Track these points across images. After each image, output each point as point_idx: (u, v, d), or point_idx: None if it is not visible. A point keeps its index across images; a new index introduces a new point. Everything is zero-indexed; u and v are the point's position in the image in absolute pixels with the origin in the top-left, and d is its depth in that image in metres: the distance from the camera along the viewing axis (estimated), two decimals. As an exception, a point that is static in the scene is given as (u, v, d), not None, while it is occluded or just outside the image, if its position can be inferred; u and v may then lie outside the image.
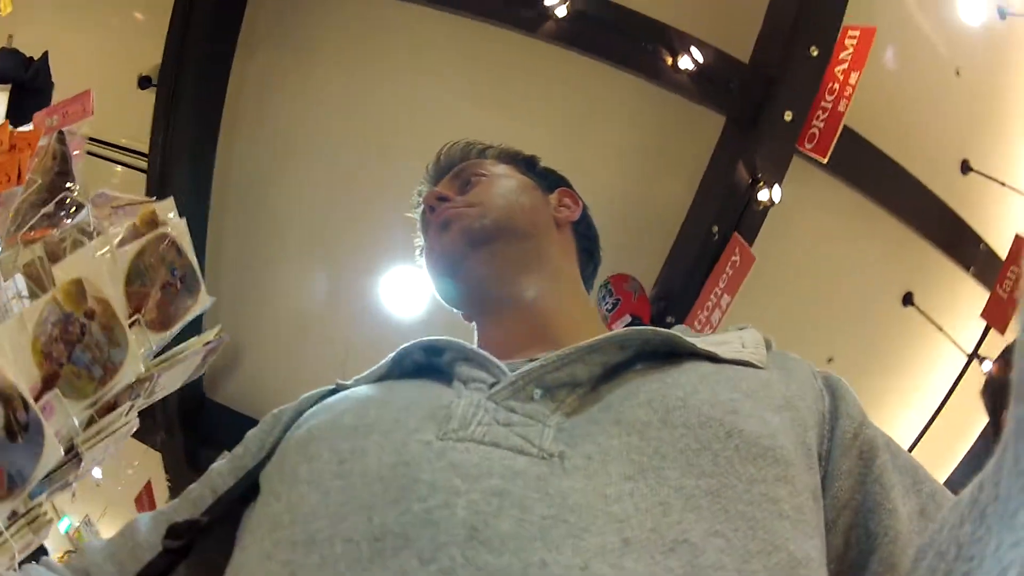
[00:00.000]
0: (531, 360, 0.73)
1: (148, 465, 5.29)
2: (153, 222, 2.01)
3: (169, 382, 1.83)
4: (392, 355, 0.82)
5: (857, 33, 3.88)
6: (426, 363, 0.79)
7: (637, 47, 4.08)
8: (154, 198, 2.16)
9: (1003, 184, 4.91)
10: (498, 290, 0.93)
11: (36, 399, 1.36)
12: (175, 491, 5.03)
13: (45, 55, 3.70)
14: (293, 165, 4.69)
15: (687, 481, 0.59)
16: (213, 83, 4.41)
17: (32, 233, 1.86)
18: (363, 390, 0.78)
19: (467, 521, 0.54)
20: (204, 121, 4.45)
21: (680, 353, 0.74)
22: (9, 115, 3.41)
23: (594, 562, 0.52)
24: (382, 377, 0.82)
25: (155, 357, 1.73)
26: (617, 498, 0.57)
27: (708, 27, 4.26)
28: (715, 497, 0.58)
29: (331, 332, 5.03)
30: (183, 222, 2.02)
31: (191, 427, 5.08)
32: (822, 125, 3.93)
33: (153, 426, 5.06)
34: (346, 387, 0.84)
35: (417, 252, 1.07)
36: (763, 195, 4.02)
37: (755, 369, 0.75)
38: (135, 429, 1.79)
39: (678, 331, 0.82)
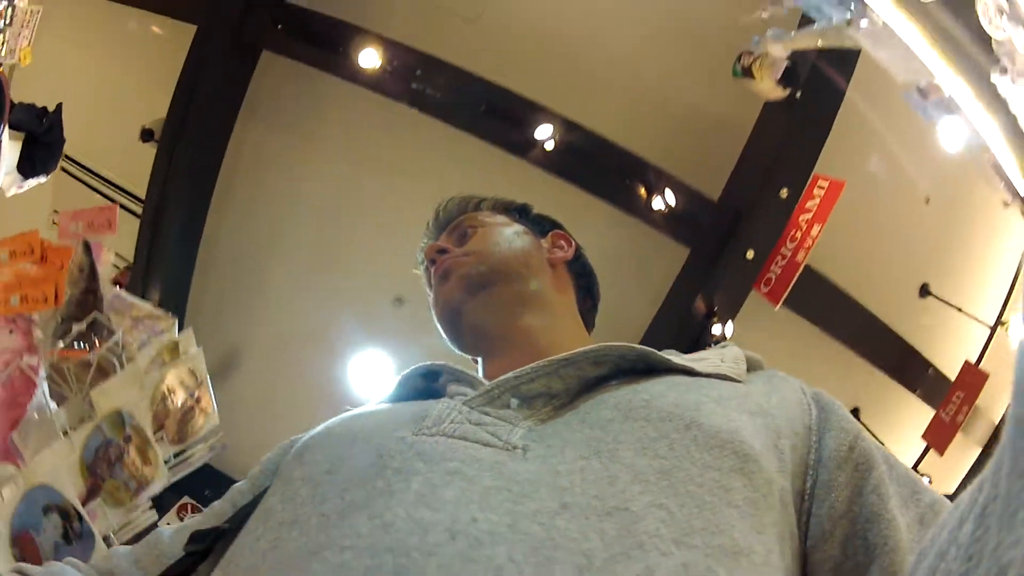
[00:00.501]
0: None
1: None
2: (175, 350, 2.33)
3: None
4: (397, 380, 0.90)
5: (827, 184, 4.01)
6: (425, 388, 0.86)
7: (616, 182, 4.27)
8: (170, 314, 2.41)
9: (959, 310, 5.00)
10: (497, 330, 0.97)
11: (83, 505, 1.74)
12: None
13: (59, 108, 3.85)
14: (279, 236, 4.88)
15: (639, 460, 0.62)
16: (212, 148, 4.61)
17: (67, 352, 2.19)
18: (362, 410, 0.85)
19: (418, 491, 0.60)
20: (199, 184, 4.64)
21: (658, 369, 0.78)
22: (20, 166, 3.58)
23: (523, 521, 0.56)
24: (388, 400, 0.89)
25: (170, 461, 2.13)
26: (568, 473, 0.61)
27: (683, 162, 4.43)
28: (665, 475, 0.61)
29: (297, 403, 5.18)
30: (200, 351, 2.36)
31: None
32: (779, 271, 4.05)
33: None
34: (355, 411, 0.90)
35: (430, 304, 1.09)
36: (716, 329, 4.15)
37: (732, 382, 0.78)
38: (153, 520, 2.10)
39: (665, 352, 0.86)
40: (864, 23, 3.18)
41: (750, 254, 4.20)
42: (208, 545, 0.78)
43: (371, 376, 5.04)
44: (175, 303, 4.83)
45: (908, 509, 0.70)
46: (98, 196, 4.93)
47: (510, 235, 1.08)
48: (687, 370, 0.78)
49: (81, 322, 2.39)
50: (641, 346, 0.78)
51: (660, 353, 0.79)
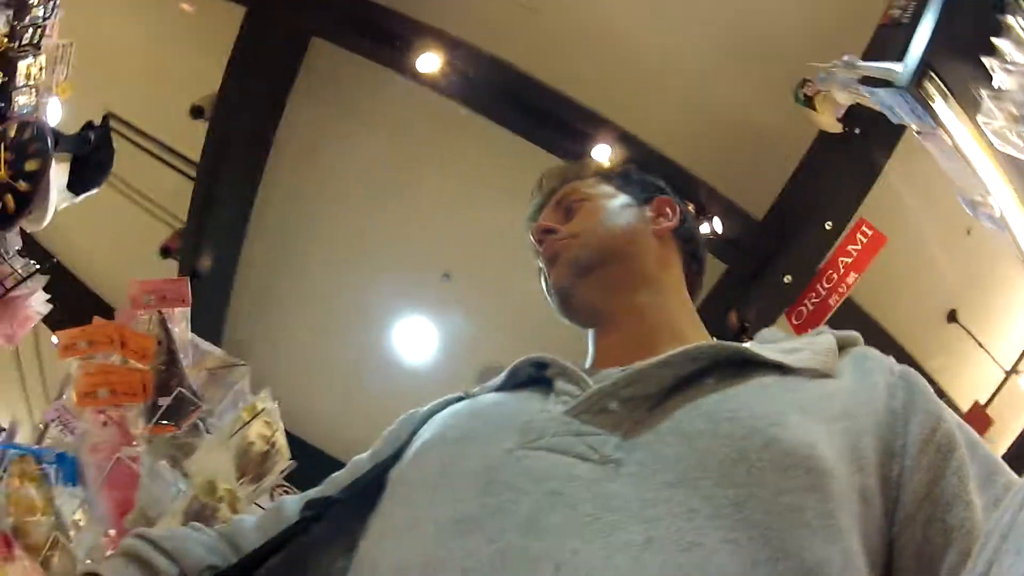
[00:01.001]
0: (626, 368, 0.83)
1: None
2: (254, 410, 2.61)
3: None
4: (508, 368, 0.95)
5: (870, 234, 4.07)
6: (536, 375, 0.90)
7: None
8: (242, 362, 2.63)
9: (980, 345, 5.14)
10: (606, 310, 1.01)
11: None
12: None
13: (106, 122, 3.88)
14: (328, 209, 4.99)
15: (717, 491, 0.66)
16: (263, 125, 4.65)
17: (157, 429, 2.42)
18: (473, 404, 0.92)
19: (527, 515, 0.67)
20: (251, 158, 4.72)
21: (752, 362, 0.81)
22: (70, 186, 3.64)
23: (617, 555, 0.63)
24: (500, 387, 0.95)
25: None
26: (654, 503, 0.66)
27: (731, 177, 4.47)
28: (738, 508, 0.65)
29: (342, 368, 5.49)
30: (276, 405, 2.53)
31: None
32: (811, 308, 4.19)
33: None
34: (471, 395, 0.98)
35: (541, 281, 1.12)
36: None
37: (822, 379, 0.80)
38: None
39: (764, 334, 0.96)
40: (934, 135, 3.18)
41: (788, 279, 4.31)
42: (319, 511, 0.88)
43: (417, 344, 5.30)
44: (226, 271, 5.03)
45: (985, 491, 0.73)
46: (148, 157, 5.02)
47: (615, 210, 1.09)
48: (780, 365, 0.81)
49: (167, 397, 2.65)
50: (736, 344, 0.83)
51: (755, 349, 0.83)
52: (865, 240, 4.09)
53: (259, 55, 4.41)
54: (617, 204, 1.10)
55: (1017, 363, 5.22)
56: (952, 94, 2.99)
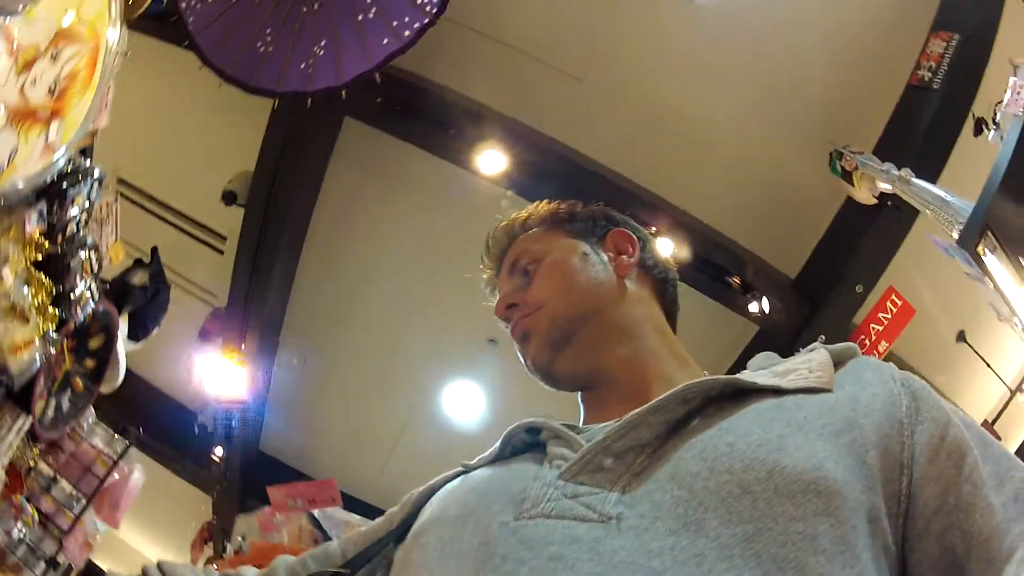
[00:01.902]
0: (619, 420, 0.80)
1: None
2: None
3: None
4: (502, 437, 0.91)
5: (900, 304, 4.21)
6: (531, 441, 0.88)
7: (711, 272, 4.45)
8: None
9: (988, 365, 5.38)
10: (590, 373, 0.98)
11: None
12: (223, 532, 5.88)
13: (156, 256, 3.87)
14: (372, 278, 5.09)
15: (724, 530, 0.64)
16: (302, 204, 4.65)
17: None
18: (469, 480, 0.89)
19: None
20: (291, 236, 4.71)
21: (746, 391, 0.78)
22: (131, 334, 3.67)
23: None
24: (496, 457, 0.92)
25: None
26: (659, 552, 0.64)
27: (762, 239, 4.56)
28: (749, 543, 0.63)
29: (383, 422, 5.65)
30: None
31: (246, 478, 5.79)
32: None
33: (210, 475, 5.73)
34: (469, 468, 0.95)
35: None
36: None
37: (820, 394, 0.77)
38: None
39: (759, 359, 0.91)
40: (979, 277, 3.30)
41: (822, 339, 4.46)
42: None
43: (465, 407, 5.48)
44: (270, 345, 5.11)
45: (1003, 487, 0.70)
46: (175, 231, 5.00)
47: (574, 266, 1.03)
48: (775, 389, 0.78)
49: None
50: (725, 377, 0.79)
51: (747, 376, 0.81)
52: (895, 309, 4.22)
53: (294, 135, 4.35)
54: (575, 258, 1.05)
55: (1022, 383, 5.49)
56: (1004, 249, 3.09)
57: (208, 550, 5.82)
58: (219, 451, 5.57)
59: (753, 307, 4.37)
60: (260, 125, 4.42)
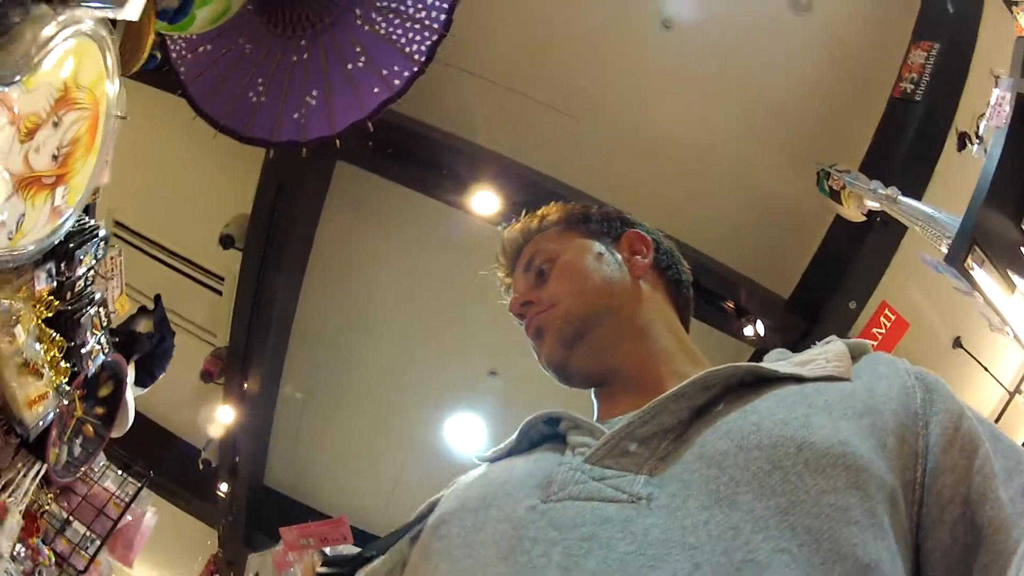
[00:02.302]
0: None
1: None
2: None
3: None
4: (520, 428, 0.90)
5: (893, 318, 4.26)
6: (549, 432, 0.87)
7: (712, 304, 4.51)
8: None
9: (985, 369, 5.43)
10: (604, 370, 0.98)
11: None
12: (228, 565, 5.91)
13: (159, 303, 3.91)
14: (373, 314, 5.19)
15: (758, 503, 0.64)
16: (299, 244, 4.69)
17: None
18: (489, 470, 0.88)
19: (561, 564, 0.64)
20: (289, 276, 4.77)
21: (767, 379, 0.78)
22: (138, 381, 3.72)
23: None
24: (512, 450, 0.90)
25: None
26: (693, 528, 0.64)
27: (755, 260, 4.64)
28: (784, 515, 0.63)
29: (386, 455, 5.69)
30: None
31: (251, 512, 5.82)
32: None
33: (215, 510, 5.76)
34: (485, 459, 0.94)
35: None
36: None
37: (839, 382, 0.78)
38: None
39: (773, 355, 0.92)
40: (969, 292, 3.36)
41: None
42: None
43: (466, 437, 5.55)
44: (271, 383, 5.15)
45: (1012, 481, 0.71)
46: (173, 272, 5.04)
47: (589, 265, 1.04)
48: (795, 377, 0.79)
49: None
50: (746, 364, 0.79)
51: (767, 365, 0.81)
52: (889, 324, 4.27)
53: (289, 179, 4.41)
54: (589, 257, 1.05)
55: (1020, 383, 5.55)
56: (992, 262, 3.15)
57: (215, 583, 5.89)
58: (223, 487, 5.59)
59: (748, 331, 4.42)
60: (255, 169, 4.49)
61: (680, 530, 0.64)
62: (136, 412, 3.66)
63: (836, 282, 4.49)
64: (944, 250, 3.32)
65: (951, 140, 3.73)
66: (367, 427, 5.71)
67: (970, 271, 3.20)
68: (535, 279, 1.07)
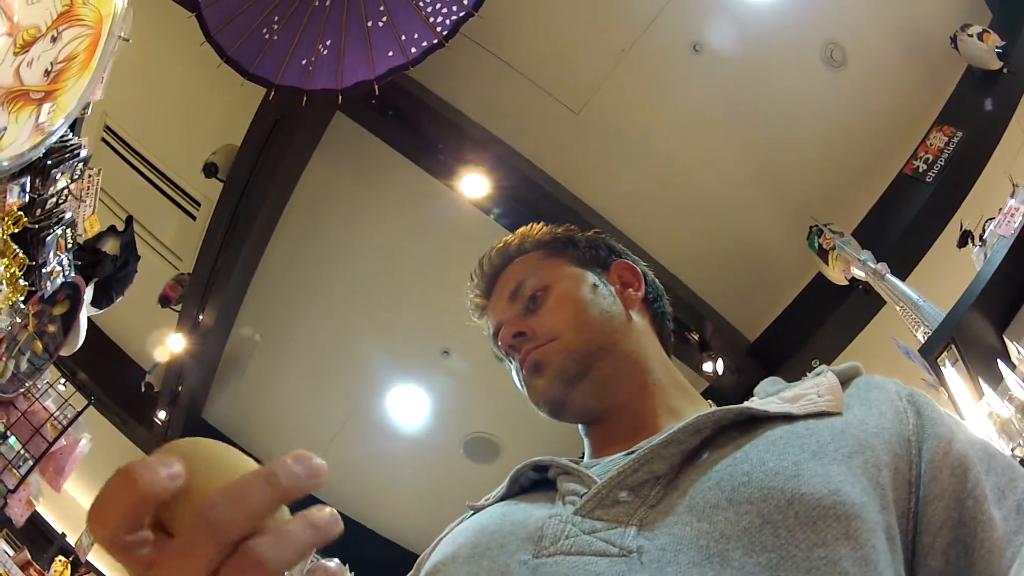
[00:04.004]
0: (630, 452, 0.81)
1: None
2: None
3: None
4: (510, 475, 0.88)
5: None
6: (539, 478, 0.86)
7: (676, 333, 4.49)
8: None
9: None
10: (602, 409, 0.96)
11: None
12: None
13: (129, 225, 3.81)
14: (332, 276, 5.10)
15: (748, 559, 0.63)
16: (280, 189, 4.58)
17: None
18: (481, 519, 0.84)
19: None
20: (265, 216, 4.67)
21: (758, 418, 0.77)
22: (94, 302, 3.62)
23: None
24: (504, 495, 0.89)
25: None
26: None
27: (728, 300, 4.65)
28: (774, 571, 0.62)
29: (326, 411, 5.65)
30: None
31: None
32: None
33: (150, 436, 5.67)
34: (477, 508, 0.91)
35: (513, 377, 1.05)
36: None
37: (830, 417, 0.76)
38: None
39: (767, 383, 0.91)
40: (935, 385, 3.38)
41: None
42: None
43: (408, 411, 5.52)
44: (224, 326, 5.07)
45: (1005, 499, 0.71)
46: (151, 187, 4.91)
47: (586, 297, 1.01)
48: (786, 415, 0.77)
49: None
50: (737, 406, 0.78)
51: (757, 406, 0.79)
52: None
53: (284, 119, 4.29)
54: (585, 289, 1.02)
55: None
56: (966, 365, 3.17)
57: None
58: (162, 414, 5.51)
59: (707, 367, 4.42)
60: (253, 103, 4.35)
61: None
62: (88, 323, 3.59)
63: (804, 337, 4.50)
64: (920, 338, 3.33)
65: (949, 231, 3.73)
66: (313, 380, 5.65)
67: (942, 367, 3.21)
68: (523, 308, 1.03)
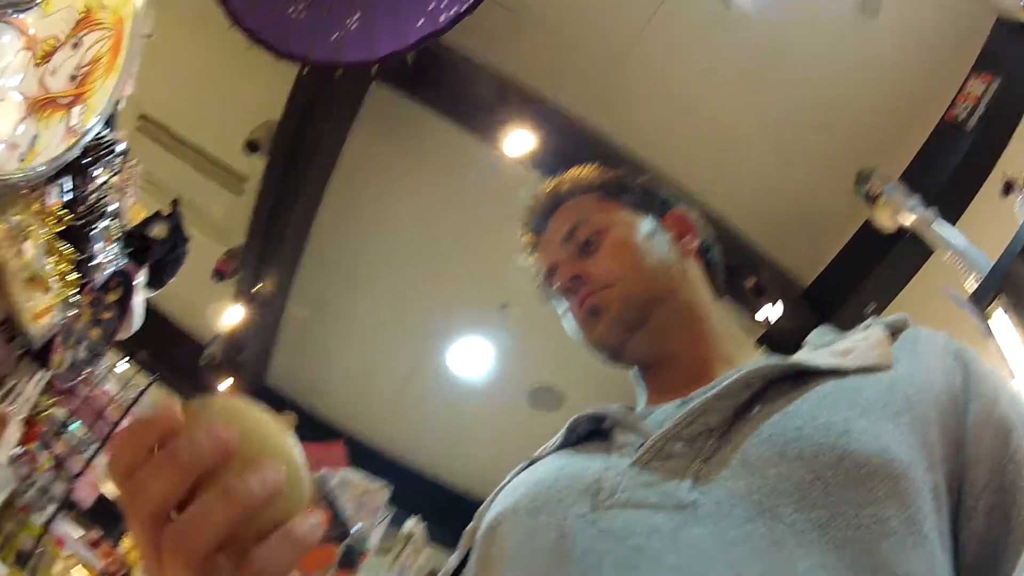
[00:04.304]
0: (684, 401, 0.83)
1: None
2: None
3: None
4: (566, 425, 0.88)
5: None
6: (594, 428, 0.86)
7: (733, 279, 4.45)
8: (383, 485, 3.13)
9: None
10: (659, 356, 0.98)
11: None
12: None
13: (176, 208, 3.91)
14: (386, 237, 5.18)
15: (799, 517, 0.64)
16: (324, 160, 4.63)
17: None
18: (538, 470, 0.85)
19: None
20: (312, 186, 4.74)
21: (809, 372, 0.77)
22: (148, 284, 3.75)
23: None
24: (561, 445, 0.89)
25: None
26: (738, 541, 0.63)
27: (782, 246, 4.57)
28: (824, 529, 0.63)
29: (390, 369, 5.79)
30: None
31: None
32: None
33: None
34: (534, 458, 0.92)
35: (565, 316, 1.05)
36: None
37: (879, 373, 0.76)
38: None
39: (815, 335, 0.92)
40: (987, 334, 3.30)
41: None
42: None
43: (471, 363, 5.67)
44: (284, 289, 5.20)
45: None
46: (195, 169, 5.03)
47: (644, 245, 1.01)
48: (836, 370, 0.77)
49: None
50: (788, 361, 0.79)
51: (807, 357, 0.80)
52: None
53: (322, 91, 4.32)
54: (643, 235, 1.03)
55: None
56: (1016, 312, 3.08)
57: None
58: (225, 384, 5.68)
59: (763, 312, 4.37)
60: (288, 77, 4.39)
61: (725, 543, 0.64)
62: (143, 304, 3.73)
63: (857, 284, 4.41)
64: (968, 285, 3.24)
65: (993, 178, 3.60)
66: (374, 339, 5.77)
67: (991, 317, 3.13)
68: (578, 251, 1.03)
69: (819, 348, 0.85)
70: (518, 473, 0.91)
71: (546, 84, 4.36)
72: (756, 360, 0.84)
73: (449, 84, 4.22)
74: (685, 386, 0.88)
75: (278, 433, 0.55)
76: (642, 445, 0.75)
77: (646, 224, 1.04)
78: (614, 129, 4.42)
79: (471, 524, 0.91)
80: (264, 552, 0.51)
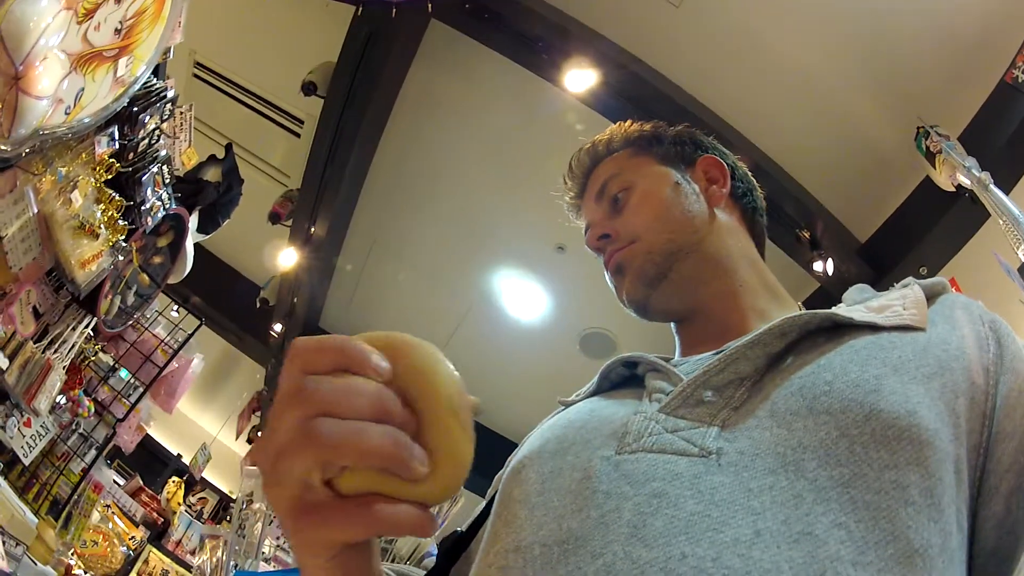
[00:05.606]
0: (718, 352, 0.82)
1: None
2: None
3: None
4: (600, 371, 0.91)
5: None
6: (628, 374, 0.88)
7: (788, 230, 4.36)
8: None
9: None
10: (687, 307, 0.99)
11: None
12: (272, 403, 6.24)
13: (230, 151, 4.01)
14: (444, 175, 5.20)
15: (822, 472, 0.63)
16: (383, 95, 4.61)
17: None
18: (569, 414, 0.85)
19: (630, 521, 0.64)
20: (369, 126, 4.75)
21: (843, 325, 0.77)
22: (200, 228, 3.89)
23: (725, 553, 0.59)
24: (595, 391, 0.91)
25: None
26: (759, 492, 0.63)
27: (840, 199, 4.45)
28: (845, 488, 0.62)
29: (444, 310, 5.87)
30: None
31: None
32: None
33: (266, 349, 5.99)
34: (567, 403, 0.93)
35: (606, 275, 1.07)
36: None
37: (914, 332, 0.76)
38: None
39: (853, 291, 0.92)
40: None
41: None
42: (450, 547, 0.90)
43: (525, 305, 5.70)
44: (340, 227, 5.28)
45: None
46: (252, 112, 5.11)
47: (667, 197, 1.02)
48: (871, 325, 0.77)
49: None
50: (823, 312, 0.78)
51: (843, 312, 0.79)
52: (954, 299, 4.08)
53: (378, 31, 4.29)
54: (667, 187, 1.03)
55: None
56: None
57: (256, 419, 6.24)
58: (278, 327, 5.82)
59: (818, 266, 4.29)
60: (344, 19, 4.40)
61: (746, 492, 0.63)
62: (199, 247, 3.84)
63: (913, 242, 4.27)
64: (1021, 256, 3.13)
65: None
66: (427, 282, 5.85)
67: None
68: (609, 208, 1.06)
69: (855, 304, 0.85)
70: (551, 418, 0.92)
71: (606, 22, 4.25)
72: (792, 313, 0.82)
73: (507, 20, 4.15)
74: (718, 338, 0.88)
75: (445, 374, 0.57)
76: (672, 391, 0.76)
77: (673, 175, 1.04)
78: (674, 69, 4.31)
79: (501, 471, 0.92)
80: (379, 509, 0.52)
